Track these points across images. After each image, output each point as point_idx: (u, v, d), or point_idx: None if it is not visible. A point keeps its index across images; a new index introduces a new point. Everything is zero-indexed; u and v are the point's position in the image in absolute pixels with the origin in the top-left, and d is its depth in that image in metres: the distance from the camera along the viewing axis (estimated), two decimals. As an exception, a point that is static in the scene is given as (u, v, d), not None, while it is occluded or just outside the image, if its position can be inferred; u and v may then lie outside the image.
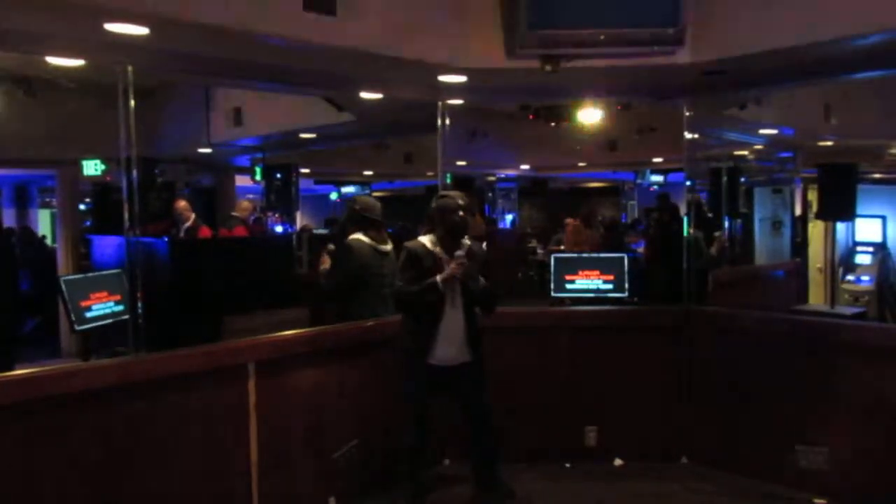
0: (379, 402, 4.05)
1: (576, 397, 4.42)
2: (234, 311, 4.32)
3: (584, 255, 5.43)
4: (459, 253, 3.56)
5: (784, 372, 4.03)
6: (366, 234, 4.21)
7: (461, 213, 3.62)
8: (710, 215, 6.61)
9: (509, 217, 15.66)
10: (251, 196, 10.25)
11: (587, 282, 4.83)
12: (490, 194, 15.98)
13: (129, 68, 3.33)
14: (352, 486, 3.92)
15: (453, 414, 3.89)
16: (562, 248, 9.37)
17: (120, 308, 4.74)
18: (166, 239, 5.75)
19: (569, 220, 9.43)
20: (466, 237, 3.74)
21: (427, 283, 3.54)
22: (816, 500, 3.81)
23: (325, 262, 4.37)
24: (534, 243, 11.17)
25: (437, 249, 3.65)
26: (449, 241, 3.66)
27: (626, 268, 4.79)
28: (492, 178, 15.56)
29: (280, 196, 9.63)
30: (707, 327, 4.40)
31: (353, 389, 3.96)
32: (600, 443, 4.43)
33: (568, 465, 4.37)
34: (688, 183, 4.77)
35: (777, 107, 6.56)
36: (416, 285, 3.57)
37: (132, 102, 3.35)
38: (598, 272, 4.84)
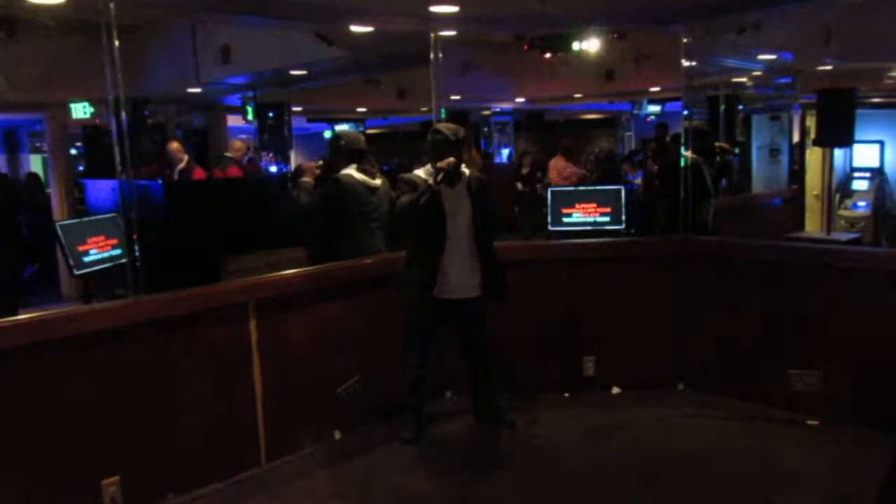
0: (380, 338, 4.09)
1: (574, 329, 4.46)
2: (231, 252, 4.32)
3: (582, 188, 5.41)
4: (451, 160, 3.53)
5: (780, 299, 4.06)
6: (356, 168, 4.19)
7: (453, 142, 3.58)
8: (727, 146, 6.50)
9: (505, 151, 15.53)
10: (244, 136, 10.14)
11: (584, 215, 4.83)
12: (486, 128, 15.81)
13: (111, 4, 3.23)
14: (355, 418, 3.99)
15: (455, 347, 3.94)
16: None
17: (118, 252, 4.74)
18: (160, 181, 5.69)
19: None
20: (465, 168, 3.72)
21: (421, 189, 3.54)
22: (809, 422, 3.89)
23: (307, 175, 4.34)
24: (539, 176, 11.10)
25: (432, 180, 3.63)
26: (445, 172, 3.62)
27: (623, 200, 4.78)
28: (487, 112, 15.36)
29: (273, 135, 9.52)
30: (703, 257, 4.41)
31: (354, 325, 3.99)
32: (598, 372, 4.49)
33: (567, 394, 4.45)
34: (685, 112, 4.71)
35: (776, 31, 6.42)
36: (417, 223, 3.57)
37: (117, 41, 3.27)
38: (594, 205, 4.84)
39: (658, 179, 7.03)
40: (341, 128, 14.91)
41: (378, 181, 4.26)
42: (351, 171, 4.21)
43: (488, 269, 3.73)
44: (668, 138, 7.73)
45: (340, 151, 4.29)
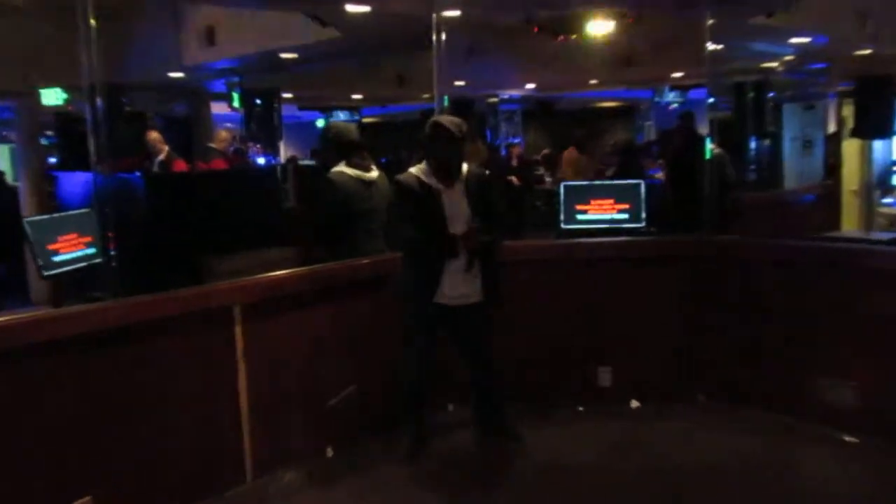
0: (377, 345, 4.09)
1: (587, 336, 4.46)
2: (215, 251, 4.32)
3: (597, 182, 5.41)
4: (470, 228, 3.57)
5: (810, 303, 4.05)
6: (348, 163, 4.20)
7: (457, 139, 3.54)
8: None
9: (514, 142, 15.53)
10: (229, 125, 10.14)
11: (600, 213, 4.82)
12: (492, 118, 15.81)
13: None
14: (350, 433, 3.99)
15: (458, 355, 3.94)
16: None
17: (92, 251, 4.74)
18: (139, 174, 5.70)
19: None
20: (465, 164, 3.71)
21: (439, 240, 3.55)
22: (847, 439, 3.87)
23: None
24: (541, 171, 11.11)
25: (432, 181, 3.61)
26: (444, 171, 3.62)
27: (642, 196, 4.77)
28: (493, 100, 15.37)
29: (261, 124, 9.53)
30: (726, 257, 4.40)
31: (348, 332, 3.99)
32: (615, 383, 4.48)
33: (581, 408, 4.44)
34: (710, 100, 4.71)
35: (809, 12, 6.41)
36: (414, 229, 3.55)
37: (93, 23, 3.27)
38: (611, 201, 4.82)
39: (671, 174, 7.03)
40: (336, 118, 14.96)
41: (373, 174, 4.26)
42: (341, 167, 4.21)
43: (489, 271, 3.72)
44: (679, 138, 7.74)
45: (330, 145, 4.30)
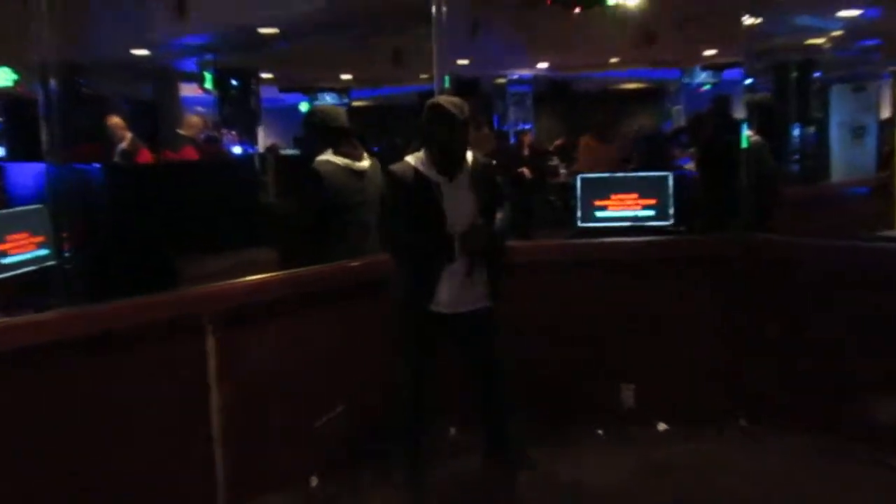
0: (370, 359, 4.08)
1: (608, 349, 4.45)
2: (185, 253, 4.32)
3: (619, 175, 5.40)
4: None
5: (865, 314, 4.04)
6: (336, 152, 4.21)
7: (460, 123, 3.53)
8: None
9: (524, 129, 15.53)
10: (201, 110, 10.15)
11: (622, 209, 4.83)
12: (499, 101, 15.81)
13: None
14: (338, 460, 3.98)
15: (460, 370, 3.93)
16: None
17: (45, 252, 4.73)
18: (98, 165, 5.70)
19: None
20: (469, 152, 3.69)
21: (434, 240, 3.54)
22: (900, 465, 3.87)
23: None
24: (555, 162, 11.11)
25: (431, 172, 3.60)
26: (445, 161, 3.60)
27: (670, 190, 4.77)
28: (501, 81, 15.38)
29: (237, 109, 9.56)
30: (768, 260, 4.40)
31: (337, 344, 3.99)
32: (639, 403, 4.48)
33: (600, 431, 4.44)
34: (747, 82, 4.71)
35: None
36: (406, 227, 3.54)
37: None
38: (635, 196, 4.83)
39: (702, 165, 7.01)
40: (322, 101, 14.96)
41: (364, 163, 4.27)
42: (328, 156, 4.22)
43: (493, 272, 3.71)
44: (708, 126, 7.73)
45: (315, 131, 4.31)
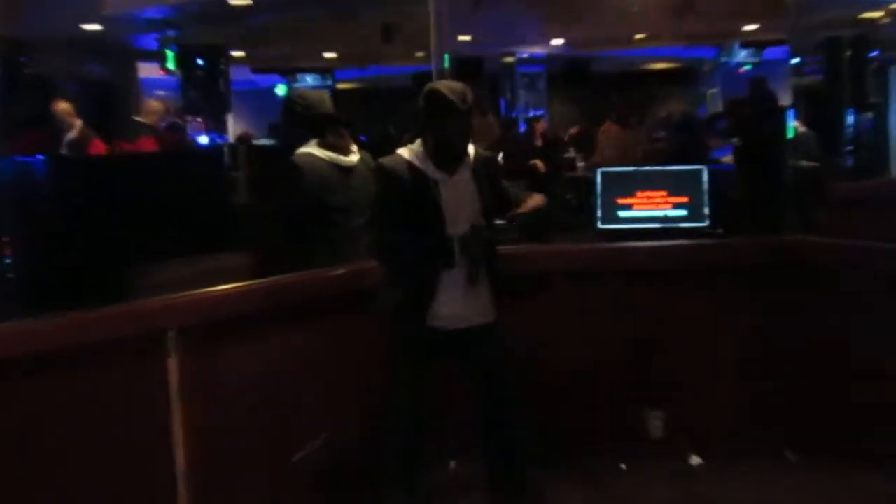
0: (357, 382, 4.09)
1: (633, 371, 4.45)
2: (144, 258, 4.31)
3: (646, 168, 5.41)
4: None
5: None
6: (321, 143, 4.21)
7: (462, 114, 3.54)
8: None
9: (536, 116, 15.59)
10: (162, 93, 10.16)
11: (650, 208, 4.83)
12: (508, 84, 15.85)
13: None
14: (318, 497, 3.98)
15: (463, 395, 3.93)
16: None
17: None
18: (42, 157, 5.71)
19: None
20: (471, 145, 3.70)
21: (430, 243, 3.55)
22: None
23: None
24: (571, 153, 11.13)
25: (428, 167, 3.61)
26: (444, 155, 3.61)
27: (705, 186, 4.77)
28: (510, 61, 15.42)
29: (203, 92, 9.55)
30: (817, 268, 4.40)
31: (319, 364, 3.99)
32: (669, 433, 4.48)
33: (623, 465, 4.44)
34: (793, 61, 4.72)
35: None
36: (403, 236, 3.56)
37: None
38: (664, 193, 4.83)
39: (738, 158, 7.02)
40: (302, 84, 14.98)
41: (353, 157, 4.27)
42: (311, 148, 4.22)
43: (498, 283, 3.73)
44: (747, 111, 7.74)
45: (295, 119, 4.31)
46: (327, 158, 4.20)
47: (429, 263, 3.59)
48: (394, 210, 3.58)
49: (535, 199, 3.79)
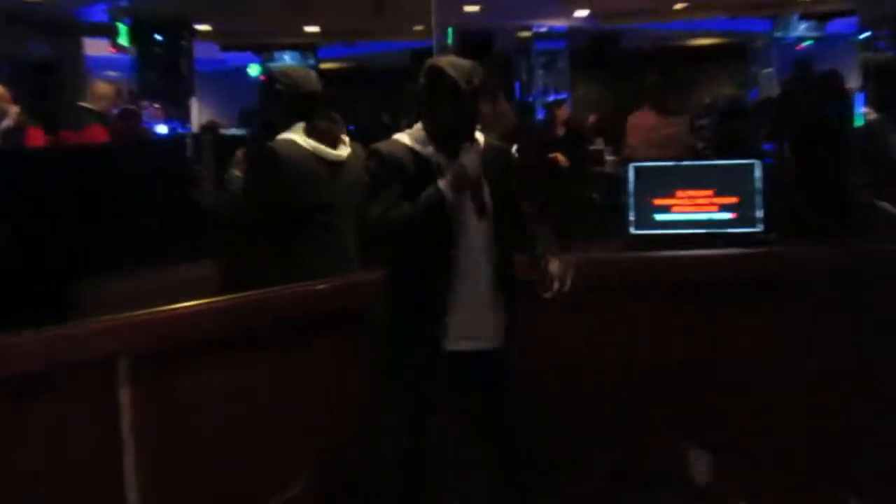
0: (341, 417, 4.09)
1: (674, 403, 4.45)
2: (92, 270, 4.32)
3: (687, 163, 5.41)
4: (472, 158, 3.52)
5: None
6: (309, 131, 4.20)
7: (467, 96, 3.54)
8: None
9: (557, 100, 15.62)
10: (113, 74, 10.18)
11: (692, 210, 4.83)
12: (523, 63, 15.87)
13: None
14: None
15: (464, 432, 3.93)
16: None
17: None
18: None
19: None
20: (480, 133, 3.71)
21: (423, 197, 3.49)
22: None
23: (238, 167, 4.42)
24: (599, 145, 11.13)
25: (429, 150, 3.62)
26: (447, 137, 3.62)
27: (758, 183, 4.77)
28: (525, 35, 15.45)
29: (163, 74, 9.57)
30: (892, 280, 4.39)
31: (295, 397, 3.99)
32: (717, 477, 4.48)
33: (660, 515, 4.44)
34: (862, 35, 4.71)
35: None
36: (403, 207, 3.54)
37: None
38: (710, 193, 4.83)
39: (794, 150, 7.02)
40: (280, 62, 15.00)
41: (343, 150, 4.26)
42: (295, 134, 4.21)
43: (512, 297, 3.73)
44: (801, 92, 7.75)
45: (277, 102, 4.30)
46: (311, 149, 4.19)
47: (438, 263, 3.59)
48: (393, 199, 3.56)
49: (566, 266, 3.73)
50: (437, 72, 3.55)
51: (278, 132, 4.28)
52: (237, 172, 4.41)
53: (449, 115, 3.57)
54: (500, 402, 3.80)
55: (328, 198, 4.21)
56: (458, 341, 3.64)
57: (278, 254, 4.26)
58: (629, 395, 4.45)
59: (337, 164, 4.24)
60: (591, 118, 11.76)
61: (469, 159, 3.56)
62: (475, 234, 3.63)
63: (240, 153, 4.47)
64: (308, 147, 4.19)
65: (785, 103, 8.22)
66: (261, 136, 4.56)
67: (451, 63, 3.55)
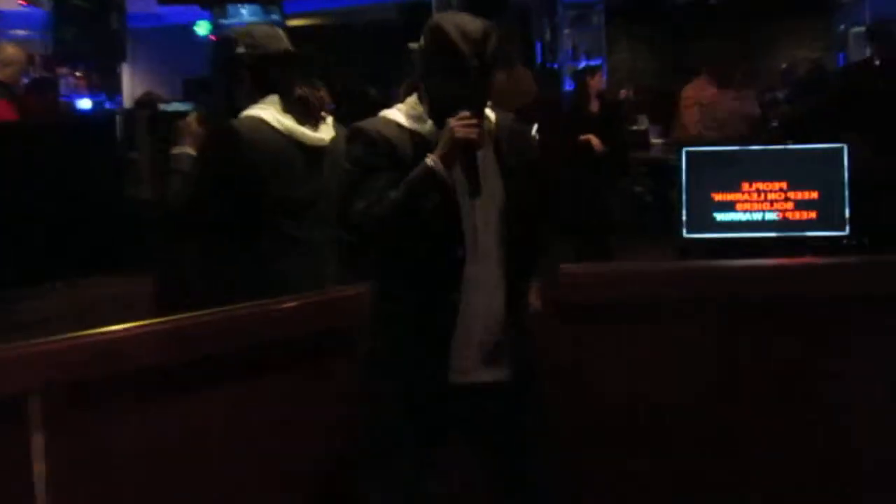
0: (313, 472, 4.11)
1: (730, 456, 4.47)
2: (3, 283, 4.34)
3: (754, 148, 5.42)
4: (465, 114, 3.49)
5: None
6: (278, 105, 4.19)
7: (474, 68, 3.52)
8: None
9: (590, 67, 15.67)
10: (22, 34, 10.22)
11: (760, 208, 4.85)
12: (546, 21, 15.91)
13: None
14: None
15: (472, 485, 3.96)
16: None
17: None
18: None
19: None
20: (490, 109, 3.72)
21: (412, 176, 3.46)
22: None
23: (185, 142, 4.38)
24: (642, 125, 11.17)
25: (427, 127, 3.64)
26: (448, 112, 3.61)
27: (846, 174, 4.78)
28: (549, -13, 15.50)
29: (86, 33, 9.59)
30: None
31: (254, 442, 4.01)
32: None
33: None
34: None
35: None
36: (392, 193, 3.51)
37: None
38: (783, 185, 4.84)
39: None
40: (236, 20, 15.04)
41: (326, 132, 4.24)
42: (263, 111, 4.19)
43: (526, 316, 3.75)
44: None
45: (238, 69, 4.29)
46: (286, 131, 4.18)
47: (435, 288, 3.61)
48: (382, 191, 3.53)
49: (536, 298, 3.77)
50: (440, 35, 3.51)
51: (239, 107, 4.27)
52: (188, 149, 4.35)
53: (451, 95, 3.55)
54: (521, 448, 3.81)
55: (303, 194, 4.21)
56: (467, 372, 3.68)
57: (232, 267, 4.26)
58: (677, 438, 4.46)
59: (316, 151, 4.25)
60: (623, 92, 11.72)
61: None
62: (488, 236, 3.65)
63: (192, 119, 4.42)
64: (282, 128, 4.17)
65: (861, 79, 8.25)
66: (217, 112, 4.52)
67: (458, 27, 3.50)
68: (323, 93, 4.33)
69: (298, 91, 4.23)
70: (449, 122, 3.44)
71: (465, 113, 3.42)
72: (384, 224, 3.48)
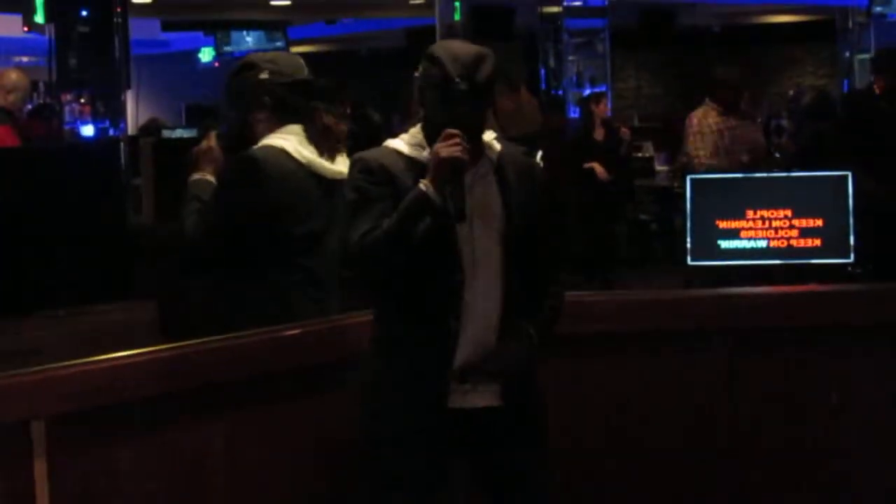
0: (317, 493, 4.12)
1: (749, 487, 4.45)
2: (3, 310, 4.34)
3: (760, 175, 5.43)
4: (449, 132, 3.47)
5: None
6: (298, 135, 4.17)
7: (460, 91, 3.51)
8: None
9: (595, 94, 15.71)
10: (25, 61, 10.24)
11: (765, 236, 4.85)
12: (551, 45, 15.92)
13: None
14: None
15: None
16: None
17: None
18: None
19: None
20: (492, 133, 3.71)
21: (404, 202, 3.45)
22: None
23: (205, 168, 4.32)
24: (647, 152, 11.17)
25: (426, 154, 3.62)
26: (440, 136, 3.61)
27: (851, 201, 4.79)
28: (553, 11, 15.50)
29: (90, 59, 9.59)
30: None
31: (258, 472, 4.00)
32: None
33: None
34: None
35: None
36: (385, 222, 3.50)
37: None
38: (789, 212, 4.85)
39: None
40: (241, 46, 15.05)
41: (342, 164, 4.19)
42: (284, 140, 4.13)
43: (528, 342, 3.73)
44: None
45: (259, 95, 4.26)
46: (306, 162, 4.14)
47: (436, 313, 3.60)
48: (380, 218, 3.53)
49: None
50: (432, 61, 3.54)
51: (251, 135, 4.25)
52: (208, 175, 4.28)
53: (443, 119, 3.52)
54: (517, 477, 3.81)
55: (317, 227, 4.19)
56: (465, 395, 3.68)
57: (244, 298, 4.25)
58: (684, 473, 4.45)
59: (331, 184, 4.19)
60: (625, 131, 11.69)
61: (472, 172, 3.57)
62: (489, 263, 3.65)
63: (212, 143, 4.35)
64: (302, 160, 4.13)
65: (863, 107, 8.27)
66: (231, 141, 4.44)
67: (449, 50, 3.54)
68: (344, 128, 4.30)
69: (325, 120, 4.21)
70: (436, 145, 3.44)
71: (450, 132, 3.40)
72: (379, 252, 3.48)
